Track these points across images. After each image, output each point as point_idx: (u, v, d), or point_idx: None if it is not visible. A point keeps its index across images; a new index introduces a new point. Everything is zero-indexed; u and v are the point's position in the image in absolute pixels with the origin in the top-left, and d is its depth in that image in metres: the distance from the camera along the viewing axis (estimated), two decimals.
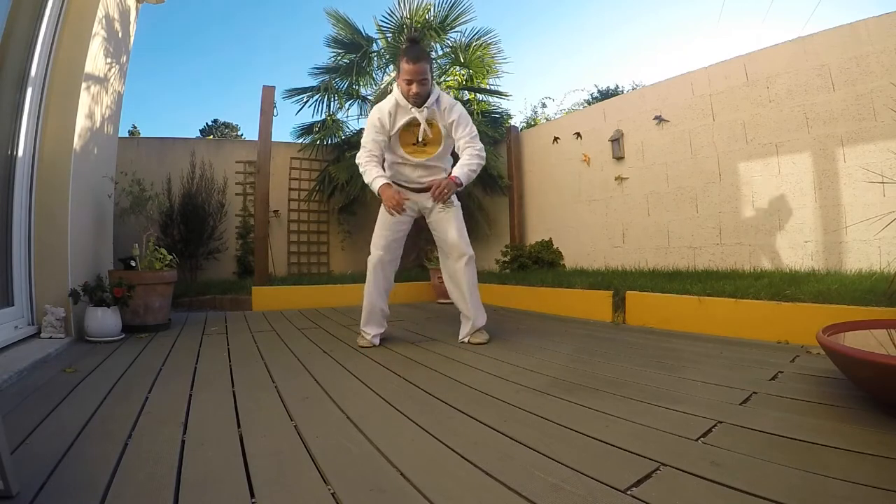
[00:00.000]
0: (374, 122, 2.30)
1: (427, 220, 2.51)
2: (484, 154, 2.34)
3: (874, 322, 1.65)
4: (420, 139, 2.31)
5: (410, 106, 2.25)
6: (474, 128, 2.35)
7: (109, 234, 3.49)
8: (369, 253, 2.43)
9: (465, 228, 2.44)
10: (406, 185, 2.41)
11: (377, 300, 2.40)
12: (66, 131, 2.62)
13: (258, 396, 1.56)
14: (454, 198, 2.42)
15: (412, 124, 2.29)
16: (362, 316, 2.43)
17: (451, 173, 2.36)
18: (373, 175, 2.27)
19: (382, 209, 2.35)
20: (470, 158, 2.30)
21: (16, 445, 1.12)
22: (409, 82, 2.20)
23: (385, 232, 2.38)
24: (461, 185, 2.29)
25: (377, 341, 2.42)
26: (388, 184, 2.27)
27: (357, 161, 2.35)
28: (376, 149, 2.32)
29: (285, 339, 2.68)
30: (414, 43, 2.28)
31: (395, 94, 2.28)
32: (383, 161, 2.41)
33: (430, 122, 2.30)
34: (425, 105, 2.25)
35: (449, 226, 2.38)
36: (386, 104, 2.29)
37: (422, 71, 2.18)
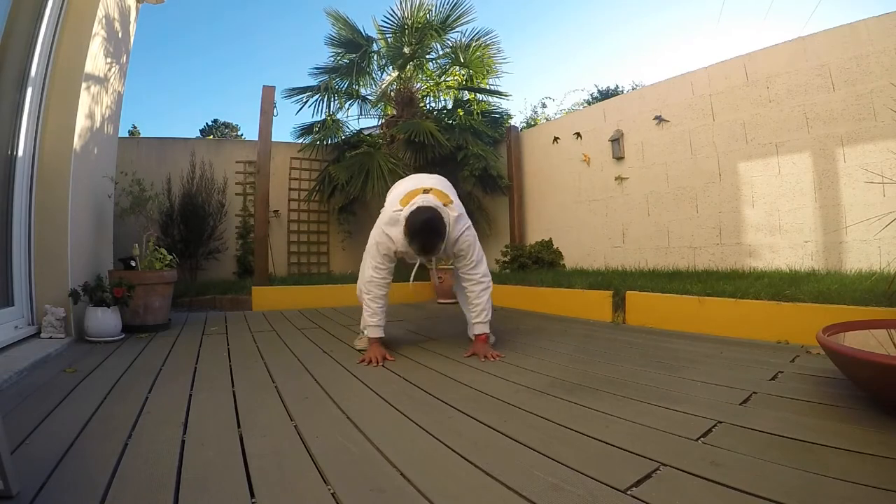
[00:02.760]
0: (384, 249, 2.10)
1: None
2: (489, 278, 2.18)
3: (874, 322, 1.65)
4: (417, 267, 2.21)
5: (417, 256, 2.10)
6: (479, 251, 2.18)
7: (109, 234, 3.49)
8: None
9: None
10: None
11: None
12: (66, 131, 2.62)
13: (258, 396, 1.56)
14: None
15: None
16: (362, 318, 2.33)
17: (475, 332, 2.16)
18: (371, 321, 2.12)
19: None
20: (480, 296, 2.13)
21: (16, 445, 1.12)
22: (418, 254, 2.04)
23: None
24: (489, 334, 2.16)
25: None
26: (379, 339, 2.12)
27: (366, 285, 2.15)
28: (386, 273, 2.14)
29: (285, 339, 2.68)
30: (427, 225, 1.95)
31: (401, 241, 2.04)
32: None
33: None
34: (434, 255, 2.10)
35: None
36: (392, 243, 2.07)
37: (437, 254, 2.04)
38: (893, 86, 2.73)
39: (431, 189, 2.15)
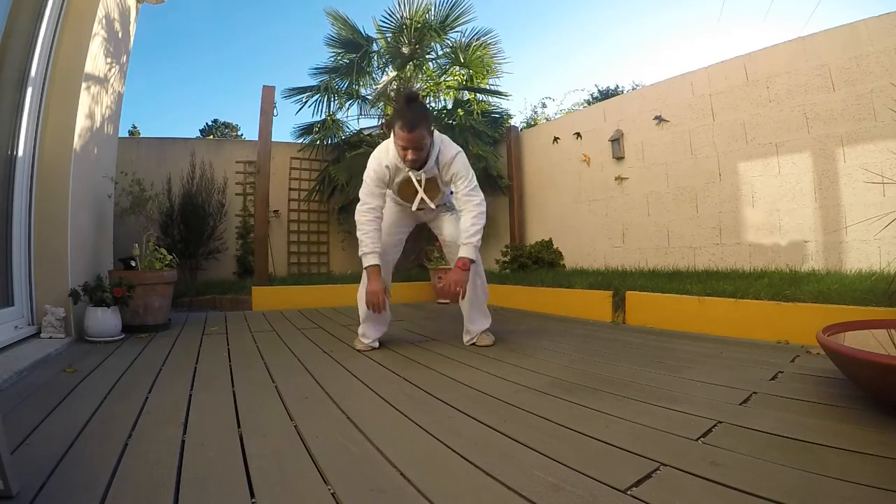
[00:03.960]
0: (374, 173, 2.16)
1: (430, 226, 2.48)
2: (484, 205, 2.18)
3: (874, 322, 1.65)
4: (417, 201, 2.21)
5: (407, 168, 2.12)
6: (473, 177, 2.19)
7: (109, 234, 3.49)
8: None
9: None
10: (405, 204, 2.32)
11: None
12: (66, 131, 2.62)
13: (258, 396, 1.56)
14: (453, 201, 2.34)
15: (410, 182, 2.17)
16: (360, 318, 2.35)
17: (458, 255, 2.14)
18: (366, 248, 2.12)
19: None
20: (474, 220, 2.13)
21: (16, 445, 1.12)
22: (405, 148, 2.04)
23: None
24: (473, 262, 2.14)
25: (376, 344, 2.33)
26: (377, 268, 2.12)
27: (357, 216, 2.18)
28: (378, 202, 2.17)
29: (285, 339, 2.68)
30: (410, 102, 2.06)
31: (392, 153, 2.12)
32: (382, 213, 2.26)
33: (428, 179, 2.18)
34: (423, 169, 2.12)
35: (446, 223, 2.34)
36: (384, 157, 2.15)
37: (418, 138, 2.01)
38: (893, 86, 2.73)
39: None
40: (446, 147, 2.18)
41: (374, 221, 2.16)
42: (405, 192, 2.24)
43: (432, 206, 2.23)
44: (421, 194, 2.16)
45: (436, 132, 2.17)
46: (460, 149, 2.21)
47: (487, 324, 2.37)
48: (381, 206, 2.20)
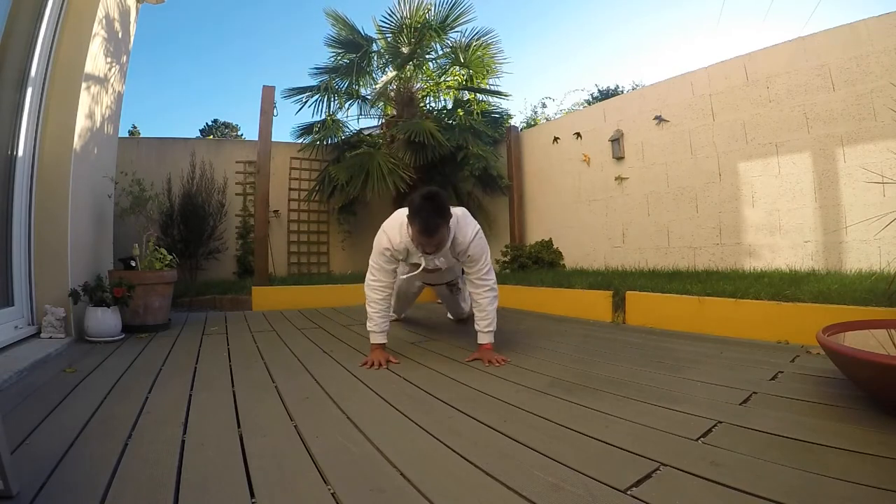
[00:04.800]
0: (386, 253, 2.05)
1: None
2: (496, 289, 2.13)
3: (874, 322, 1.65)
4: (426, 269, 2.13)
5: (420, 253, 2.01)
6: (488, 259, 2.12)
7: (109, 234, 3.49)
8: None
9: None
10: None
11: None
12: (66, 131, 2.62)
13: (258, 396, 1.56)
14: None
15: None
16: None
17: (480, 341, 2.09)
18: (374, 326, 2.07)
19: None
20: (489, 308, 2.09)
21: (16, 445, 1.12)
22: (422, 245, 1.92)
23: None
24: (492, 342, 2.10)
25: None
26: (381, 346, 2.06)
27: (366, 290, 2.11)
28: (389, 279, 2.10)
29: (285, 339, 2.68)
30: (429, 200, 1.83)
31: (405, 235, 1.99)
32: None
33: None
34: (438, 253, 2.02)
35: (446, 294, 2.34)
36: (396, 237, 2.01)
37: (438, 240, 1.88)
38: (893, 86, 2.73)
39: None
40: (462, 230, 2.04)
41: (385, 300, 2.10)
42: (415, 265, 2.16)
43: (442, 267, 2.17)
44: (434, 264, 2.08)
45: (453, 211, 1.99)
46: (477, 227, 2.10)
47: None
48: (392, 281, 2.13)
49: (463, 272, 2.36)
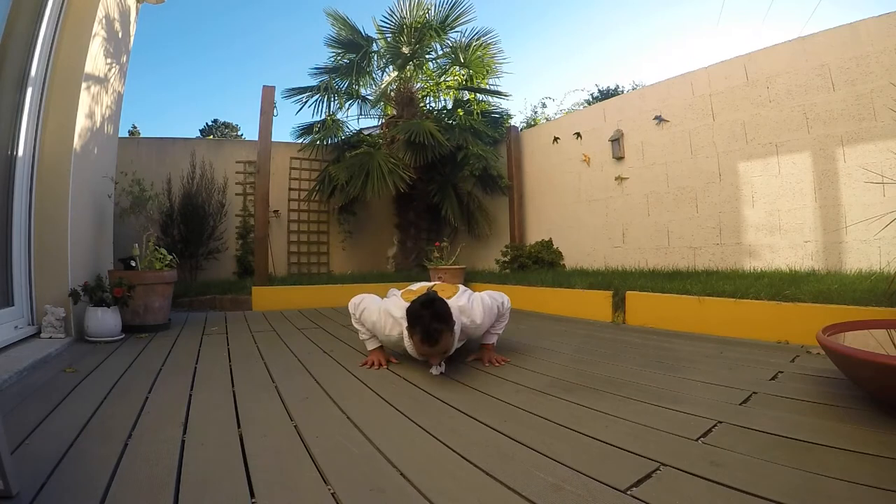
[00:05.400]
0: (383, 327, 1.92)
1: None
2: (507, 315, 2.10)
3: (874, 322, 1.65)
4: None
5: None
6: (501, 309, 2.05)
7: (109, 234, 3.49)
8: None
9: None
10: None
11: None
12: (66, 131, 2.62)
13: (258, 396, 1.56)
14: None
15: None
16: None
17: (483, 341, 2.07)
18: (366, 336, 2.06)
19: (382, 311, 1.95)
20: (501, 321, 2.08)
21: (16, 445, 1.12)
22: (427, 356, 1.80)
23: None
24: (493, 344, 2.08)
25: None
26: (379, 349, 2.04)
27: (353, 321, 2.07)
28: (365, 331, 2.05)
29: (285, 339, 2.68)
30: (428, 307, 1.69)
31: (408, 342, 1.82)
32: None
33: None
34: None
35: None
36: (397, 328, 1.87)
37: (442, 348, 1.73)
38: (893, 86, 2.73)
39: (436, 285, 2.09)
40: (468, 314, 1.90)
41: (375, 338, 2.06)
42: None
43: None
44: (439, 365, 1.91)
45: (453, 302, 1.85)
46: (479, 300, 1.96)
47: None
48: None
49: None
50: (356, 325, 2.09)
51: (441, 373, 1.82)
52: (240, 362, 2.09)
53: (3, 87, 2.33)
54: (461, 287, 2.13)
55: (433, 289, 1.96)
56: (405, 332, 1.80)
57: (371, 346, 2.07)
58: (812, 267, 3.08)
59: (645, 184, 4.18)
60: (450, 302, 1.82)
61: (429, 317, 1.67)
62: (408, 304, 1.79)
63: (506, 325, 2.12)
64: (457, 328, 1.79)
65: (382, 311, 1.94)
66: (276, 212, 5.66)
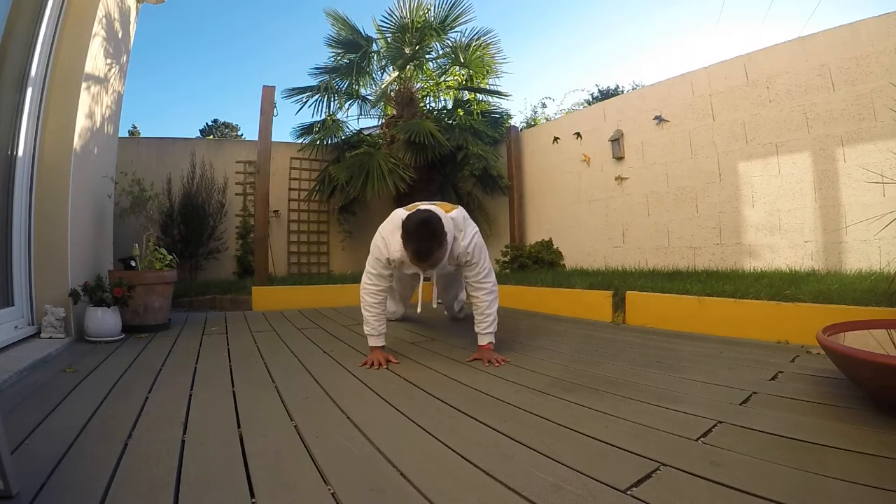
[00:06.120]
0: (381, 262, 2.05)
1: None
2: (497, 290, 2.14)
3: (874, 322, 1.65)
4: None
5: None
6: (486, 260, 2.11)
7: (109, 234, 3.49)
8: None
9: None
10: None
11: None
12: (66, 131, 2.62)
13: (258, 396, 1.56)
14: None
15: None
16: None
17: (480, 342, 2.10)
18: (371, 329, 2.07)
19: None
20: (487, 310, 2.09)
21: (16, 445, 1.12)
22: (419, 266, 1.97)
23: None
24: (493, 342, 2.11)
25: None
26: (380, 347, 2.07)
27: (362, 293, 2.11)
28: (385, 284, 2.11)
29: (285, 339, 2.68)
30: (423, 226, 1.84)
31: (401, 251, 1.94)
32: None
33: None
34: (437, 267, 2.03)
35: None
36: (396, 249, 1.96)
37: (433, 263, 1.91)
38: (893, 86, 2.73)
39: (436, 203, 2.13)
40: (460, 243, 2.03)
41: (381, 304, 2.11)
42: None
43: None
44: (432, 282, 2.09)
45: (450, 215, 2.00)
46: (475, 230, 2.11)
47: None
48: (388, 285, 2.14)
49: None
50: (363, 307, 2.09)
51: (426, 279, 2.12)
52: (240, 362, 2.09)
53: (3, 87, 2.33)
54: (460, 208, 2.17)
55: (434, 203, 2.09)
56: (399, 240, 1.93)
57: (371, 342, 2.08)
58: (812, 267, 3.08)
59: (645, 184, 4.18)
60: (444, 215, 1.96)
61: (422, 234, 1.83)
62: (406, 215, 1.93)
63: (496, 311, 2.12)
64: (449, 238, 1.92)
65: (375, 252, 2.07)
66: (276, 212, 5.66)
